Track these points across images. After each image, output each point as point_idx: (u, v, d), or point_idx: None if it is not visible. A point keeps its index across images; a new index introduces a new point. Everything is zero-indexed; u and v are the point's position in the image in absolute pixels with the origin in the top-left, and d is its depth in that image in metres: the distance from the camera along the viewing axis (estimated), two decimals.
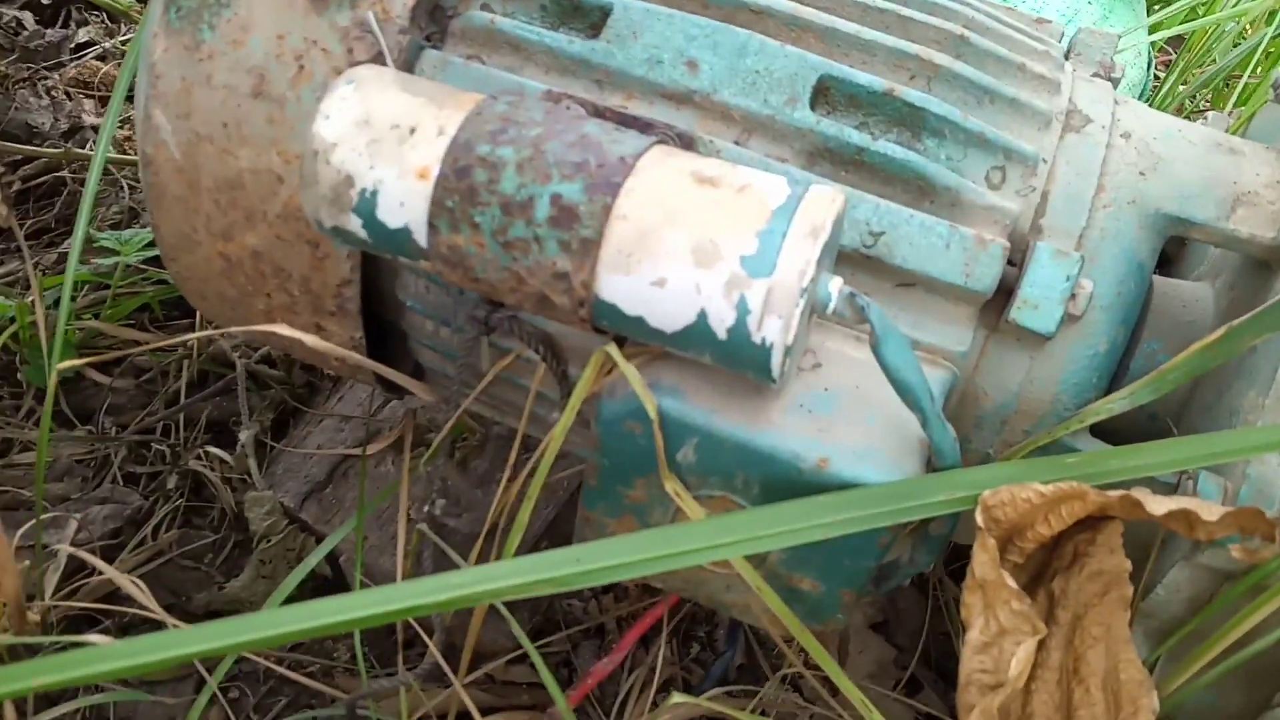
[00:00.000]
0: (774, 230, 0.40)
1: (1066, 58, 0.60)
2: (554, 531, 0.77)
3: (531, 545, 0.77)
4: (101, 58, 1.33)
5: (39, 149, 1.09)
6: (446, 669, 0.57)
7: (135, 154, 1.03)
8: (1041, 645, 0.45)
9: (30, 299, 0.88)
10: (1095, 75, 0.58)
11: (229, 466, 0.81)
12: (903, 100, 0.49)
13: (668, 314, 0.42)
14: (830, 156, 0.50)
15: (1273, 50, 1.01)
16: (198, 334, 0.80)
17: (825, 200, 0.41)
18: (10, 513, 0.76)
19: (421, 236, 0.44)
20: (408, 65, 0.52)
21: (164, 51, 0.53)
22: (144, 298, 0.90)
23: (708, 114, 0.50)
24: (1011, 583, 0.42)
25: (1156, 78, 1.00)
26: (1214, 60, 0.98)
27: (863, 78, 0.50)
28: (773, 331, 0.40)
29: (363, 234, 0.45)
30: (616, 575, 0.42)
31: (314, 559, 0.63)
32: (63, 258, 1.01)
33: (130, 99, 0.65)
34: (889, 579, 0.52)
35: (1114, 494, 0.42)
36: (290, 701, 0.71)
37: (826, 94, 0.51)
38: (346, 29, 0.51)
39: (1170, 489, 0.48)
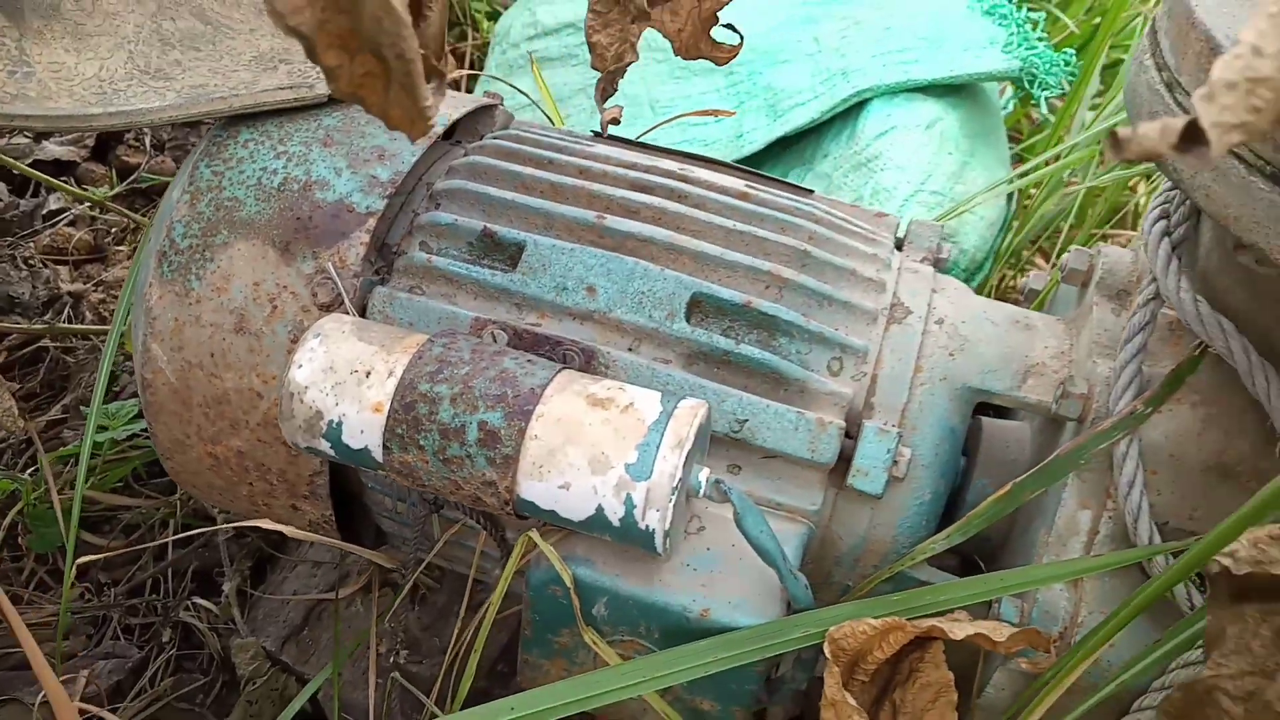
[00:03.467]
0: (649, 443, 0.52)
1: (900, 247, 0.74)
2: (509, 654, 0.88)
3: (490, 667, 0.87)
4: (72, 224, 1.44)
5: (24, 325, 1.19)
6: None
7: (112, 320, 1.14)
8: None
9: (29, 473, 0.99)
10: (924, 260, 0.72)
11: (215, 615, 0.91)
12: (758, 310, 0.62)
13: (574, 509, 0.54)
14: (704, 358, 0.62)
15: (1095, 201, 1.15)
16: (179, 496, 0.90)
17: (688, 414, 0.54)
18: (22, 672, 0.86)
19: (378, 454, 0.56)
20: (362, 300, 0.64)
21: (159, 299, 0.65)
22: (131, 463, 1.00)
23: (605, 328, 0.63)
24: (851, 700, 0.54)
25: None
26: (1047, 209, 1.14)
27: (726, 293, 0.63)
28: (653, 520, 0.52)
29: (330, 453, 0.57)
30: (544, 717, 0.53)
31: (298, 702, 0.74)
32: (50, 425, 1.11)
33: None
34: (778, 692, 0.64)
35: (925, 624, 0.54)
36: None
37: (700, 306, 0.64)
38: (310, 275, 0.64)
39: (987, 610, 0.60)
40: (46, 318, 1.26)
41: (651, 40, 1.41)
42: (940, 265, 0.73)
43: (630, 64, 0.50)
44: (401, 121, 0.36)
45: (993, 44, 1.15)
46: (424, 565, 0.67)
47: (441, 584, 0.89)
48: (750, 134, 1.20)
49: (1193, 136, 0.24)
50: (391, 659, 0.67)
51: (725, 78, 1.28)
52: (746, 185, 0.72)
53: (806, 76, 1.21)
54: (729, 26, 0.59)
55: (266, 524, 0.63)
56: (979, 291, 1.02)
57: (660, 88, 1.29)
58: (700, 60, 1.39)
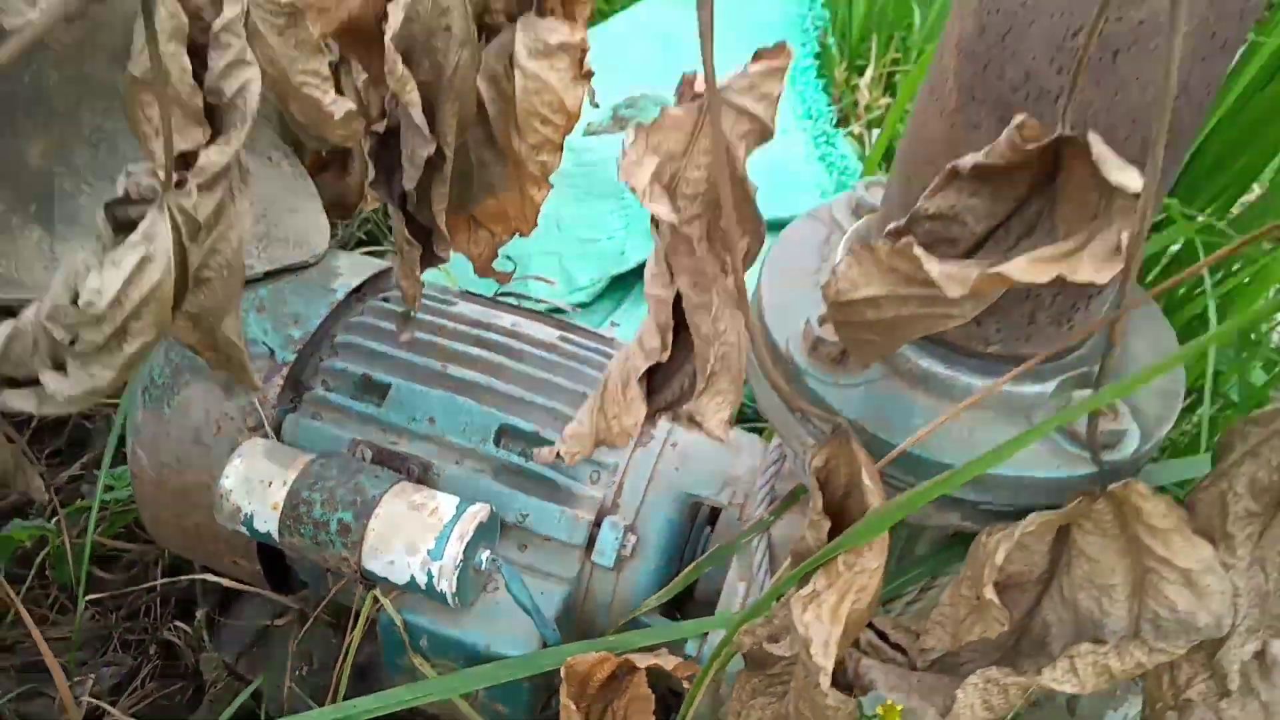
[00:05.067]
0: (444, 535, 0.82)
1: None
2: None
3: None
4: None
5: None
6: None
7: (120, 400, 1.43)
8: None
9: (54, 521, 1.29)
10: None
11: (190, 635, 1.21)
12: (544, 437, 0.91)
13: (398, 577, 0.83)
14: (506, 470, 0.92)
15: None
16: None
17: (471, 516, 0.83)
18: (41, 673, 1.16)
19: (276, 537, 0.85)
20: (278, 423, 0.94)
21: (142, 418, 0.95)
22: (132, 514, 1.31)
23: (441, 448, 0.93)
24: (573, 705, 0.82)
25: None
26: None
27: (524, 425, 0.92)
28: (445, 587, 0.82)
29: (247, 533, 0.87)
30: (372, 714, 0.83)
31: (240, 699, 1.04)
32: (72, 479, 1.41)
33: None
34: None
35: (620, 658, 0.83)
36: None
37: (507, 432, 0.93)
38: (244, 407, 0.94)
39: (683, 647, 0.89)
40: None
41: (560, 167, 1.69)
42: None
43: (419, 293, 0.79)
44: (244, 384, 0.65)
45: (819, 187, 1.44)
46: (322, 606, 0.97)
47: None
48: (630, 252, 1.49)
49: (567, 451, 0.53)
50: (298, 673, 0.96)
51: (617, 202, 1.58)
52: (559, 337, 1.02)
53: None
54: (509, 257, 0.88)
55: (211, 577, 0.93)
56: None
57: (566, 208, 1.59)
58: (599, 182, 1.68)
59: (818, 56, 1.91)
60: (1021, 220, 0.55)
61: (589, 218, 1.57)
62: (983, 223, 0.56)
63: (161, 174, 0.49)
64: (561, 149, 0.81)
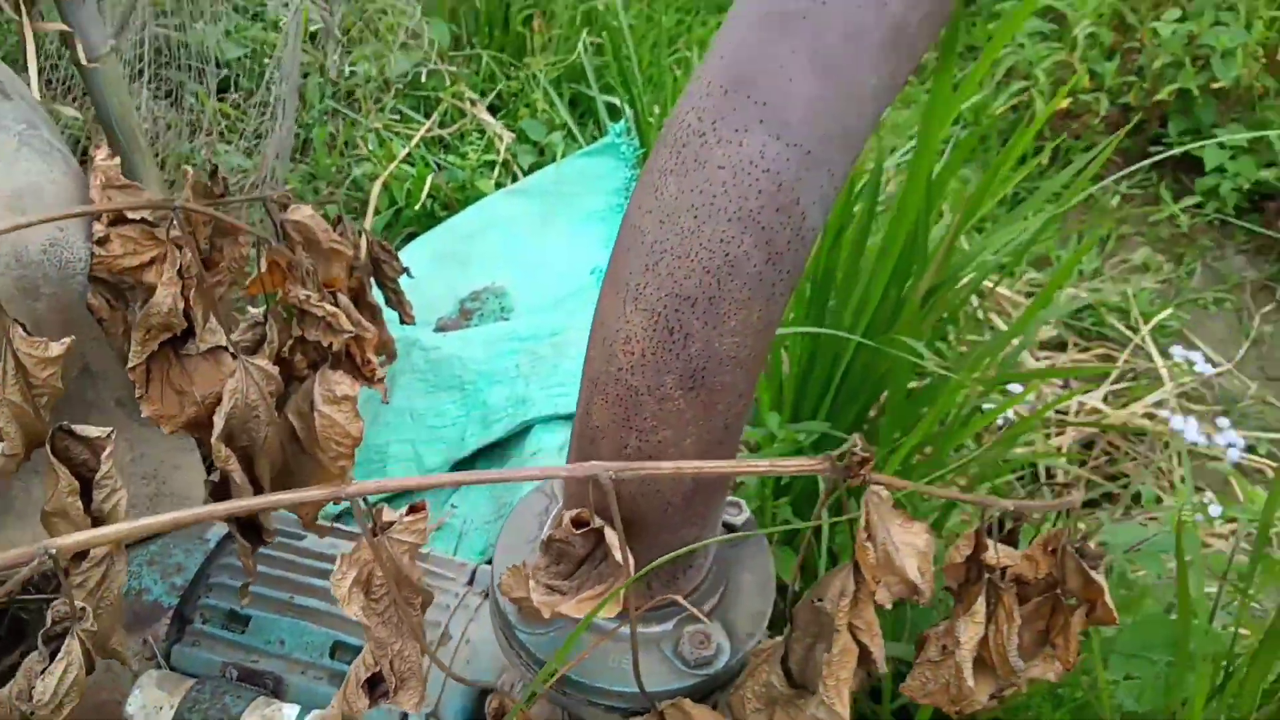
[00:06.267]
0: None
1: (471, 583, 1.37)
2: None
3: None
4: None
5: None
6: None
7: None
8: None
9: None
10: (481, 593, 1.34)
11: None
12: None
13: None
14: (340, 676, 1.24)
15: None
16: None
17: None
18: None
19: None
20: (167, 653, 1.26)
21: None
22: None
23: (289, 663, 1.25)
24: None
25: None
26: None
27: (352, 640, 1.25)
28: None
29: None
30: None
31: None
32: (12, 667, 1.70)
33: None
34: None
35: None
36: None
37: (340, 646, 1.26)
38: (140, 646, 1.25)
39: None
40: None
41: (414, 364, 2.03)
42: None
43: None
44: (125, 666, 0.98)
45: None
46: None
47: None
48: (469, 439, 1.83)
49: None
50: None
51: (460, 393, 1.92)
52: None
53: (504, 398, 1.85)
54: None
55: None
56: None
57: (418, 400, 1.93)
58: (445, 376, 2.01)
59: None
60: (601, 550, 0.91)
61: (436, 407, 1.91)
62: (582, 548, 0.91)
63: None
64: (353, 457, 1.15)
